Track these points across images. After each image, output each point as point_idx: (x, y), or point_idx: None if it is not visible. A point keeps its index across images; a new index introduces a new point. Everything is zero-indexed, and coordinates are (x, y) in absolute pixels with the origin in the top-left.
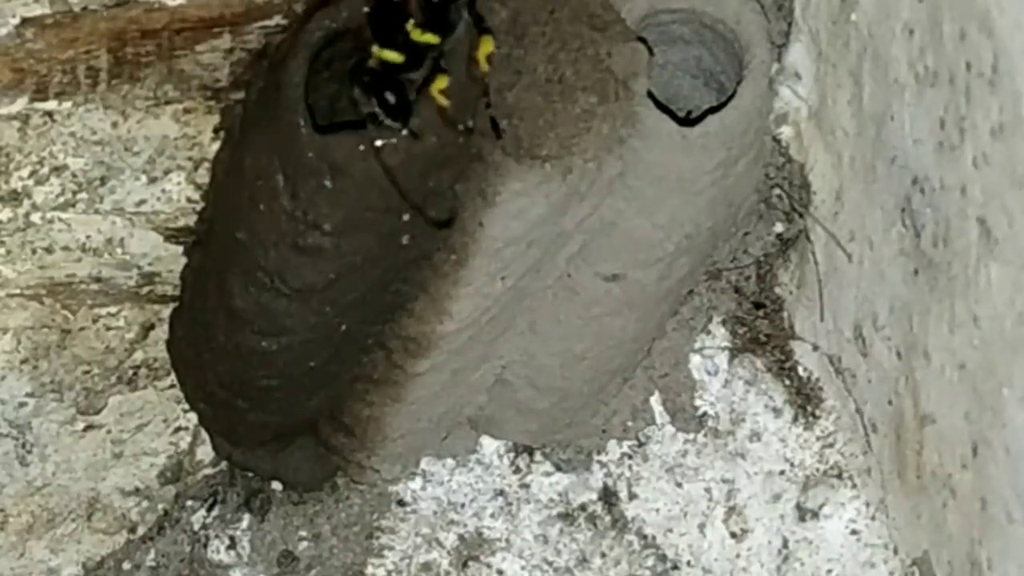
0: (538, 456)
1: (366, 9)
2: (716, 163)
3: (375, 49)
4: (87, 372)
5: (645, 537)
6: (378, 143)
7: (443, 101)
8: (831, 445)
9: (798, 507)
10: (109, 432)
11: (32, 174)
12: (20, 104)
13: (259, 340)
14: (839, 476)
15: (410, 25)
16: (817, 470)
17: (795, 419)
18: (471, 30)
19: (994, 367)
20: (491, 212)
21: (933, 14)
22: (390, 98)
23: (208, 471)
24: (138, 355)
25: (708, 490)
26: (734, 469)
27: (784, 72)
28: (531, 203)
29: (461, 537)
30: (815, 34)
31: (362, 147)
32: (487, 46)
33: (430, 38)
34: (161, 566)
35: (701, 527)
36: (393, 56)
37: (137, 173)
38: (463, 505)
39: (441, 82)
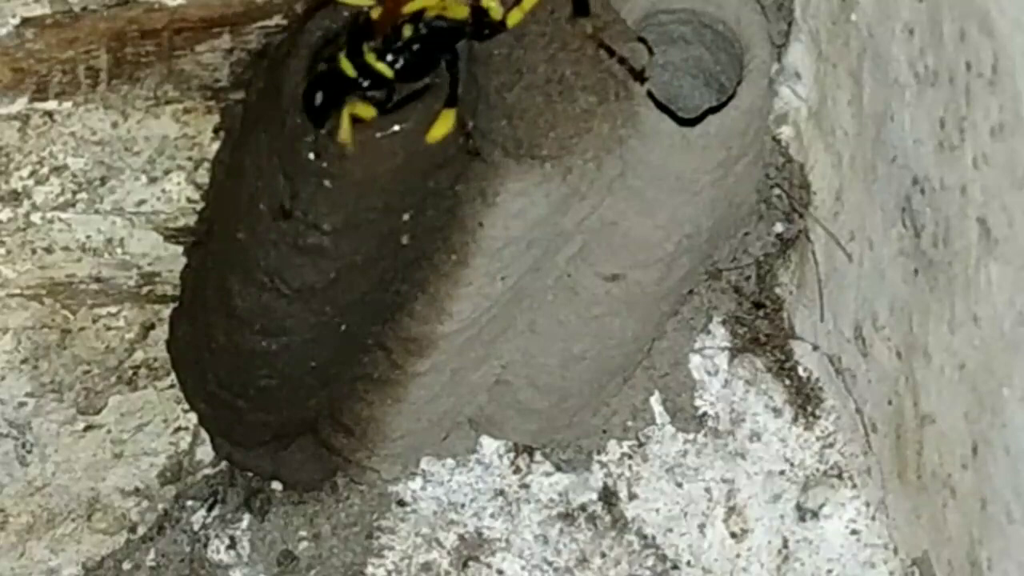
0: (538, 456)
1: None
2: (716, 163)
3: (340, 54)
4: (87, 372)
5: (645, 537)
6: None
7: (346, 133)
8: (831, 445)
9: (798, 507)
10: (109, 432)
11: (32, 174)
12: (20, 104)
13: (259, 340)
14: (839, 476)
15: (367, 47)
16: (817, 470)
17: (795, 419)
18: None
19: (994, 367)
20: (491, 212)
21: (933, 14)
22: (317, 98)
23: (208, 471)
24: (138, 355)
25: (708, 490)
26: (734, 469)
27: (784, 72)
28: (531, 203)
29: (461, 537)
30: (815, 34)
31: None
32: (444, 125)
33: (383, 68)
34: (161, 566)
35: (701, 527)
36: (347, 67)
37: (137, 173)
38: (463, 505)
39: (363, 110)
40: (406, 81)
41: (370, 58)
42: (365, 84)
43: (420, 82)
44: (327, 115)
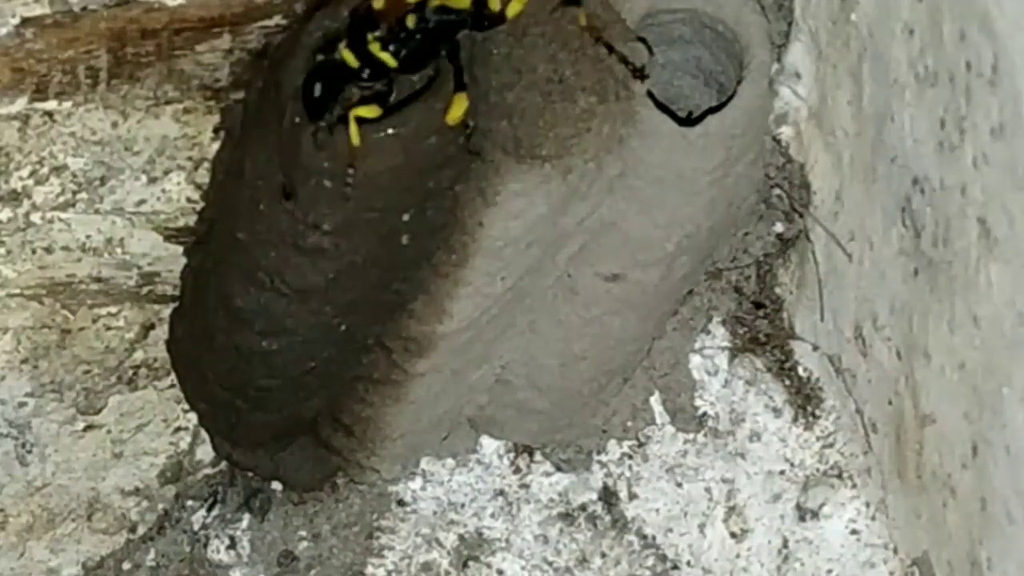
0: (538, 456)
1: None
2: (716, 163)
3: (340, 45)
4: (87, 372)
5: (645, 537)
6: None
7: (355, 135)
8: (831, 445)
9: (798, 507)
10: (109, 432)
11: (32, 174)
12: (20, 104)
13: (259, 340)
14: (839, 476)
15: (371, 36)
16: (817, 470)
17: (795, 419)
18: (448, 78)
19: (994, 367)
20: (491, 212)
21: (933, 14)
22: (316, 90)
23: (208, 471)
24: (138, 355)
25: (708, 490)
26: (734, 469)
27: (784, 72)
28: (531, 203)
29: (461, 537)
30: (815, 34)
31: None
32: (459, 106)
33: (387, 58)
34: (161, 566)
35: (701, 527)
36: (348, 58)
37: (137, 173)
38: (463, 505)
39: (367, 111)
40: (407, 71)
41: (374, 47)
42: (366, 74)
43: (419, 74)
44: (325, 107)
